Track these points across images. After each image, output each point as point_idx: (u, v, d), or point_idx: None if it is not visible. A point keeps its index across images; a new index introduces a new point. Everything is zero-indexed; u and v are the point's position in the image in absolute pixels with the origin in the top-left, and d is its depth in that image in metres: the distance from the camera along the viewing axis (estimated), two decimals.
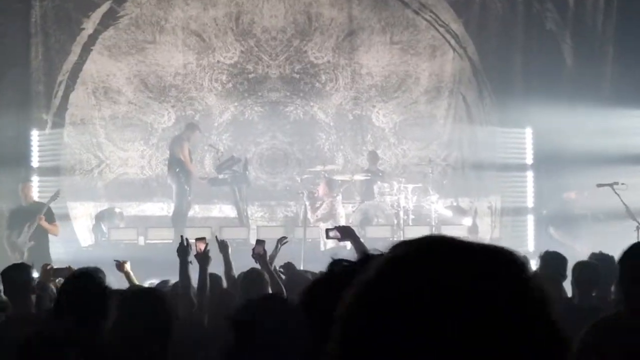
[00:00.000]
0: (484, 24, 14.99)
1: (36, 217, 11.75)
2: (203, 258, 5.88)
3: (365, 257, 1.98)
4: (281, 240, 7.08)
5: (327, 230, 6.43)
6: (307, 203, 13.21)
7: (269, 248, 6.61)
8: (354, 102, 15.27)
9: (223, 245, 6.67)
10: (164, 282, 6.58)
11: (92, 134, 14.83)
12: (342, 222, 12.06)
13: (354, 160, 15.08)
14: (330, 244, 11.41)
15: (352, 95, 15.26)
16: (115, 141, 14.90)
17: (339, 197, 13.34)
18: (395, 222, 13.44)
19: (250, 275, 5.85)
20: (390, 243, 1.10)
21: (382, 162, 14.64)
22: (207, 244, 6.03)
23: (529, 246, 13.65)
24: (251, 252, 6.50)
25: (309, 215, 13.14)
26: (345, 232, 6.08)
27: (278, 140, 15.20)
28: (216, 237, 7.11)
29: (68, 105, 14.72)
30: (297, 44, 15.15)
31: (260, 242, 6.49)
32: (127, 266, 6.78)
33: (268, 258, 6.39)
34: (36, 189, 14.27)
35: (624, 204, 10.54)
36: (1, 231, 12.51)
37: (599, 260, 6.12)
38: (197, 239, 6.14)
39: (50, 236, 12.02)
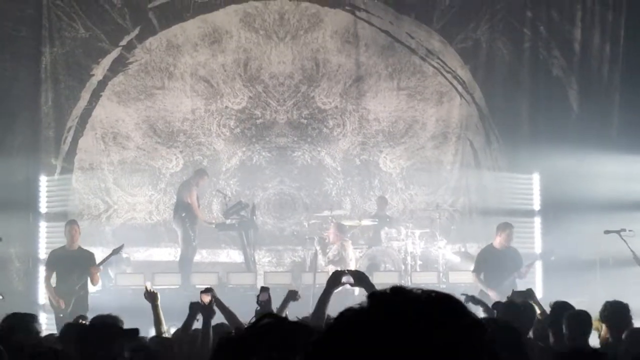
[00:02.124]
0: (491, 70, 15.09)
1: (89, 268, 11.19)
2: (207, 310, 5.92)
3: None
4: (293, 296, 6.86)
5: (338, 274, 6.34)
6: (318, 248, 13.17)
7: (278, 297, 6.56)
8: (362, 147, 15.31)
9: (151, 296, 6.66)
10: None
11: (101, 179, 14.88)
12: (352, 266, 12.01)
13: (361, 205, 15.08)
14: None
15: (359, 141, 15.31)
16: (124, 186, 14.94)
17: (350, 242, 13.32)
18: (403, 267, 13.39)
19: (219, 330, 5.77)
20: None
21: (389, 207, 14.63)
22: (212, 298, 6.05)
23: (538, 293, 13.54)
24: (256, 299, 6.45)
25: (321, 259, 13.09)
26: (358, 278, 5.99)
27: (286, 185, 15.22)
28: (146, 286, 6.90)
29: (77, 150, 14.80)
30: (305, 90, 15.25)
31: (265, 289, 6.44)
32: (158, 298, 6.80)
33: (275, 310, 6.31)
34: (44, 235, 14.31)
35: (631, 251, 10.50)
36: (17, 274, 12.34)
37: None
38: (202, 292, 6.16)
39: None
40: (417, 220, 14.45)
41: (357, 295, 10.83)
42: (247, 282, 12.81)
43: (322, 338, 1.06)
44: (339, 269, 12.38)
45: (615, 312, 6.49)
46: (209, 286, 6.39)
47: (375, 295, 1.11)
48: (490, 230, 14.46)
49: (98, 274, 11.30)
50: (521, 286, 9.42)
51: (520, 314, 6.07)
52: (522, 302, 6.76)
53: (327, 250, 13.18)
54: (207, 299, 6.04)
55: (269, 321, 2.35)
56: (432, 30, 15.16)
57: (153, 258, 14.55)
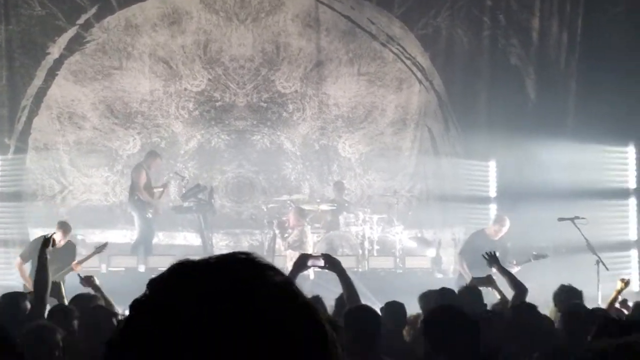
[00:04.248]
0: (450, 58, 15.17)
1: (69, 262, 11.05)
2: None
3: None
4: None
5: (305, 256, 6.33)
6: (277, 231, 13.18)
7: None
8: (321, 132, 15.31)
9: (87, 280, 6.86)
10: None
11: (56, 160, 14.70)
12: (310, 251, 12.03)
13: (320, 190, 15.09)
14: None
15: (319, 125, 15.31)
16: (79, 167, 14.78)
17: (309, 227, 13.33)
18: (360, 252, 13.45)
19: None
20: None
21: (347, 192, 14.67)
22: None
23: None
24: None
25: (280, 243, 13.09)
26: (332, 262, 5.96)
27: (244, 168, 15.18)
28: (79, 275, 7.08)
29: (31, 130, 14.59)
30: (265, 73, 15.19)
31: None
32: (96, 280, 6.87)
33: None
34: None
35: (584, 238, 10.64)
36: None
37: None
38: None
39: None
40: (375, 205, 14.51)
41: (312, 280, 10.86)
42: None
43: (115, 335, 1.04)
44: (298, 253, 12.43)
45: (569, 297, 6.58)
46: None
47: (153, 281, 1.06)
48: (447, 216, 14.64)
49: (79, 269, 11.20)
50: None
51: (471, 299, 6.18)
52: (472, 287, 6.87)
53: (286, 235, 13.18)
54: None
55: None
56: (392, 16, 15.18)
57: (109, 240, 14.41)
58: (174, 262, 1.07)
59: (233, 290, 1.01)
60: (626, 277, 8.06)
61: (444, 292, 6.63)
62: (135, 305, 1.04)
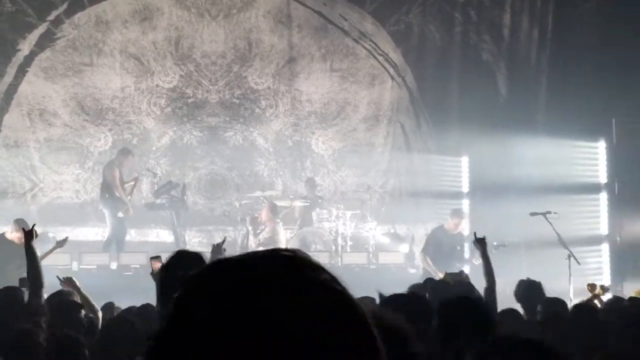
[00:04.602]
0: (422, 54, 15.21)
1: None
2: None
3: None
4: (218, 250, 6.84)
5: None
6: (250, 228, 13.16)
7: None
8: (294, 129, 15.30)
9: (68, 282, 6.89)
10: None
11: (26, 157, 14.58)
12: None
13: (293, 187, 15.08)
14: None
15: (291, 122, 15.29)
16: (50, 164, 14.67)
17: (281, 223, 13.32)
18: (334, 248, 13.46)
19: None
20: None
21: (320, 188, 14.68)
22: (162, 263, 6.10)
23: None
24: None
25: (251, 240, 13.07)
26: None
27: (217, 165, 15.13)
28: (57, 277, 7.07)
29: (2, 127, 14.46)
30: (237, 70, 15.15)
31: (156, 258, 6.43)
32: (76, 281, 6.89)
33: None
34: None
35: (556, 233, 10.72)
36: None
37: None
38: (153, 258, 6.19)
39: None
40: (348, 201, 14.52)
41: None
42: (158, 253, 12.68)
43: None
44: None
45: (528, 291, 6.62)
46: (158, 254, 6.41)
47: (193, 278, 1.03)
48: (419, 212, 14.69)
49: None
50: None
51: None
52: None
53: (258, 231, 13.16)
54: (158, 264, 6.06)
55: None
56: (365, 12, 15.20)
57: (80, 237, 14.31)
58: (213, 261, 1.05)
59: (276, 290, 0.98)
60: (605, 285, 8.16)
61: (433, 284, 6.67)
62: (177, 303, 1.01)
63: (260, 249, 12.54)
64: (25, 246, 6.39)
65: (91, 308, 6.58)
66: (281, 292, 0.97)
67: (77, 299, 6.58)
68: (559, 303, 6.27)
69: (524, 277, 7.27)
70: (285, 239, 13.13)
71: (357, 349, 0.98)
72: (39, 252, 10.90)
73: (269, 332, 0.94)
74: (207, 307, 0.97)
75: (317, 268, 1.02)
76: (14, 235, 11.23)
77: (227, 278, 1.00)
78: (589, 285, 7.89)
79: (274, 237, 12.93)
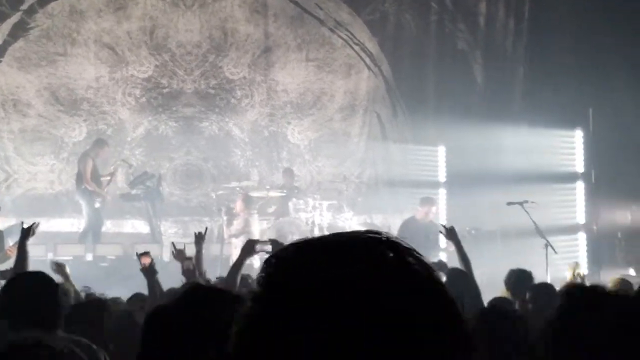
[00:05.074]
0: (398, 43, 15.20)
1: (3, 250, 10.97)
2: (149, 271, 6.19)
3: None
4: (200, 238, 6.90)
5: (253, 242, 6.35)
6: (225, 218, 13.12)
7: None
8: (270, 119, 15.25)
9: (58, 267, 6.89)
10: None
11: (0, 148, 14.44)
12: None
13: (269, 177, 15.04)
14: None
15: (267, 112, 15.24)
16: (24, 155, 14.53)
17: (255, 214, 13.27)
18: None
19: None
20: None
21: (297, 178, 14.65)
22: (152, 258, 6.20)
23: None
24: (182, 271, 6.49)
25: (225, 231, 13.04)
26: (276, 247, 5.96)
27: (192, 155, 15.06)
28: (50, 260, 7.06)
29: None
30: (213, 59, 15.06)
31: (145, 254, 6.44)
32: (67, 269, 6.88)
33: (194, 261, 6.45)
34: None
35: (533, 222, 10.76)
36: None
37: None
38: (142, 254, 6.26)
39: None
40: (325, 191, 14.50)
41: (257, 268, 10.79)
42: (152, 253, 12.58)
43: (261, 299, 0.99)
44: (244, 240, 12.36)
45: (519, 279, 6.67)
46: (147, 250, 6.49)
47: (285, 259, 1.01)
48: (396, 202, 14.70)
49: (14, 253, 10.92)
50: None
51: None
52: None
53: (232, 222, 13.12)
54: (147, 260, 6.17)
55: (201, 292, 2.31)
56: (340, 1, 15.16)
57: (55, 229, 14.20)
58: (300, 240, 1.03)
59: (375, 275, 0.97)
60: (572, 262, 8.16)
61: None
62: (267, 286, 1.00)
63: (233, 240, 12.54)
64: (19, 242, 6.37)
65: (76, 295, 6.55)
66: (367, 275, 0.96)
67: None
68: (547, 288, 6.30)
69: (501, 267, 7.30)
70: (259, 230, 13.09)
71: (450, 341, 0.97)
72: (11, 242, 10.85)
73: (357, 314, 0.94)
74: (295, 289, 0.96)
75: (413, 255, 1.03)
76: None
77: (320, 258, 0.99)
78: (572, 264, 7.90)
79: (246, 228, 12.88)
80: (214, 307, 2.14)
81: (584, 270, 8.42)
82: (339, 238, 1.02)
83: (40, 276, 4.01)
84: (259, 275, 1.01)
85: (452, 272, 6.64)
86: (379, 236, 1.03)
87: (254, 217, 13.21)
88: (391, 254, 1.00)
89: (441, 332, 0.96)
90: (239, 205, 13.15)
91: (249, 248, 6.13)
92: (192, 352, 2.14)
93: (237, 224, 12.99)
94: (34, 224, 6.63)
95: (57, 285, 4.08)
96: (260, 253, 6.27)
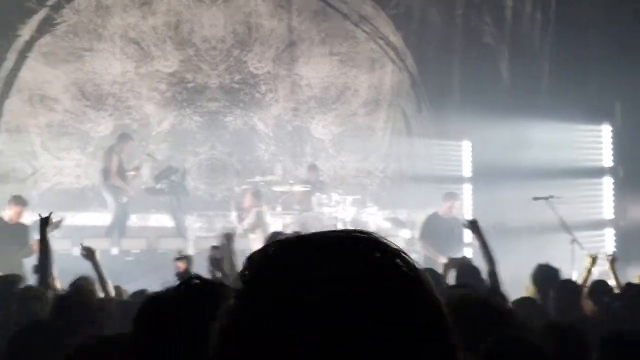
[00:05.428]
0: (423, 37, 15.13)
1: (28, 241, 10.84)
2: (185, 277, 6.00)
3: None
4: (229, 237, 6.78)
5: (276, 234, 6.36)
6: (235, 214, 13.16)
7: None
8: (294, 113, 15.27)
9: (89, 252, 6.53)
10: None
11: (27, 142, 14.56)
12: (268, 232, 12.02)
13: (293, 171, 15.06)
14: None
15: (291, 106, 15.26)
16: (51, 150, 14.64)
17: (266, 207, 13.25)
18: None
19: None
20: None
21: (321, 173, 14.65)
22: (189, 265, 6.12)
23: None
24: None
25: (237, 226, 13.04)
26: None
27: (217, 150, 15.11)
28: (81, 244, 6.84)
29: (3, 112, 14.42)
30: (237, 54, 15.10)
31: (181, 259, 6.43)
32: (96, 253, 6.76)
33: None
34: None
35: (558, 217, 10.69)
36: None
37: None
38: (178, 259, 6.21)
39: None
40: (348, 186, 14.51)
41: None
42: (177, 247, 12.70)
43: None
44: (258, 235, 12.38)
45: (546, 275, 6.63)
46: (183, 255, 6.44)
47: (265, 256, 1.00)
48: (420, 197, 14.65)
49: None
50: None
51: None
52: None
53: (243, 217, 13.13)
54: (183, 266, 6.09)
55: (197, 282, 2.32)
56: None
57: (81, 223, 14.30)
58: (280, 238, 1.03)
59: (360, 276, 0.96)
60: (593, 253, 8.10)
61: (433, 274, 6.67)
62: (251, 283, 0.99)
63: (250, 235, 12.57)
64: (40, 235, 6.37)
65: (105, 285, 6.51)
66: (353, 274, 0.96)
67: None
68: (572, 286, 6.26)
69: (527, 263, 7.25)
70: (272, 223, 13.07)
71: (428, 337, 0.96)
72: (36, 236, 10.91)
73: (340, 313, 0.93)
74: (279, 286, 0.96)
75: (399, 254, 1.01)
76: (13, 211, 11.19)
77: (305, 255, 0.98)
78: (594, 256, 7.84)
79: (259, 221, 12.88)
80: (208, 299, 2.13)
81: (603, 262, 8.33)
82: (325, 236, 1.01)
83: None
84: (242, 271, 1.01)
85: (461, 268, 6.63)
86: (366, 236, 1.02)
87: (265, 209, 13.19)
88: (378, 254, 0.99)
89: (425, 335, 0.96)
90: (248, 200, 13.16)
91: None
92: (183, 344, 2.14)
93: (249, 219, 13.00)
94: (51, 213, 6.64)
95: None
96: None
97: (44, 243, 6.26)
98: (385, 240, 1.02)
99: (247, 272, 1.00)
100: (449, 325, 0.99)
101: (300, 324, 0.93)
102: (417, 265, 1.01)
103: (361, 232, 1.02)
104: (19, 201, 11.39)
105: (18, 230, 11.12)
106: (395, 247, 1.02)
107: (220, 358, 0.97)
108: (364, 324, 0.93)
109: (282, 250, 1.00)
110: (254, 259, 1.01)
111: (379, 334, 0.93)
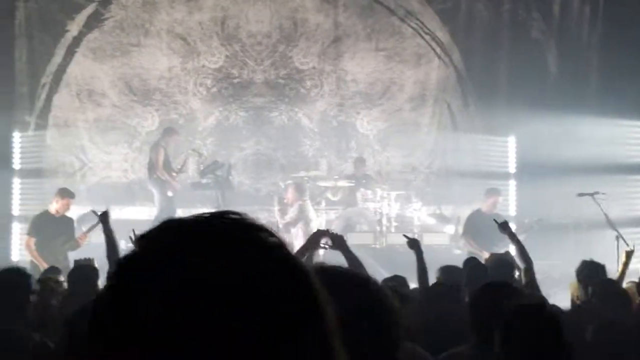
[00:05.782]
0: (470, 32, 15.03)
1: (73, 234, 11.18)
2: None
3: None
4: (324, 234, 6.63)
5: (319, 233, 6.36)
6: (277, 208, 13.19)
7: None
8: (339, 109, 15.26)
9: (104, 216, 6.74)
10: None
11: (76, 137, 14.75)
12: (314, 226, 12.03)
13: (337, 167, 15.07)
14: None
15: (336, 102, 15.26)
16: (99, 144, 14.83)
17: (308, 201, 13.26)
18: (378, 229, 13.43)
19: None
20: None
21: (366, 169, 14.63)
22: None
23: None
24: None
25: (278, 220, 13.07)
26: (338, 241, 5.97)
27: (262, 145, 15.17)
28: (92, 210, 6.94)
29: (51, 107, 14.64)
30: (283, 50, 15.14)
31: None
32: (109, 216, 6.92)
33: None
34: (17, 191, 14.21)
35: (604, 213, 10.57)
36: None
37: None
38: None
39: None
40: (393, 182, 14.47)
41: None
42: None
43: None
44: (300, 229, 12.40)
45: (591, 272, 6.56)
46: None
47: (142, 238, 1.00)
48: (465, 193, 14.57)
49: (85, 240, 11.17)
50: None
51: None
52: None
53: (286, 211, 13.15)
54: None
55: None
56: None
57: (129, 216, 14.46)
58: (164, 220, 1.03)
59: (222, 251, 0.96)
60: (630, 248, 7.99)
61: (474, 264, 6.65)
62: (121, 264, 0.99)
63: (292, 230, 12.60)
64: (103, 230, 6.54)
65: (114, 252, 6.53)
66: (218, 251, 0.96)
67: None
68: (610, 286, 6.18)
69: (574, 259, 7.19)
70: (315, 217, 13.07)
71: (298, 311, 0.96)
72: (84, 229, 11.08)
73: (203, 292, 0.93)
74: (146, 269, 0.96)
75: (267, 230, 1.02)
76: (60, 204, 11.35)
77: (170, 239, 0.98)
78: (630, 250, 7.74)
79: (301, 214, 12.88)
80: None
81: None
82: (196, 218, 1.01)
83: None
84: (109, 271, 1.01)
85: (494, 263, 6.61)
86: (234, 216, 1.02)
87: (308, 203, 13.19)
88: (239, 230, 1.00)
89: (292, 303, 0.95)
90: (290, 194, 13.18)
91: (316, 240, 6.10)
92: None
93: (291, 212, 13.01)
94: (108, 209, 6.79)
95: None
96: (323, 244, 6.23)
97: (109, 237, 6.45)
98: (251, 219, 1.02)
99: (112, 274, 1.00)
100: (315, 291, 0.98)
101: (161, 307, 0.92)
102: (282, 242, 1.01)
103: (234, 212, 1.02)
104: (66, 194, 11.55)
105: (64, 223, 11.30)
106: (260, 223, 1.02)
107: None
108: (221, 302, 0.93)
109: (148, 249, 0.99)
110: (122, 258, 1.01)
111: (242, 321, 0.93)
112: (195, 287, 0.93)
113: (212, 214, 1.02)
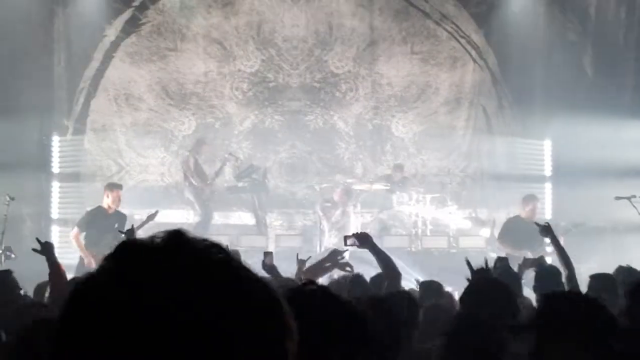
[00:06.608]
0: (505, 35, 14.96)
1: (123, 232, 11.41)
2: (270, 268, 6.26)
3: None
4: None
5: (346, 238, 6.39)
6: (321, 213, 13.22)
7: (286, 260, 6.66)
8: (374, 112, 15.28)
9: (46, 247, 6.16)
10: None
11: (113, 141, 14.92)
12: (351, 232, 12.02)
13: (373, 170, 15.09)
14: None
15: (372, 105, 15.28)
16: (136, 148, 14.98)
17: (352, 207, 13.29)
18: (414, 232, 13.43)
19: None
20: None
21: (404, 173, 14.62)
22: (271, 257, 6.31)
23: (548, 259, 13.56)
24: (261, 264, 6.52)
25: (324, 223, 13.13)
26: (363, 240, 6.03)
27: (298, 149, 15.23)
28: (37, 239, 6.39)
29: (89, 111, 14.83)
30: (318, 54, 15.19)
31: (268, 254, 6.58)
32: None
33: (294, 276, 6.34)
34: (56, 195, 14.40)
35: None
36: (29, 234, 12.32)
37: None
38: (266, 253, 6.41)
39: None
40: (429, 185, 14.46)
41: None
42: (258, 244, 12.87)
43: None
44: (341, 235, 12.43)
45: (627, 278, 6.51)
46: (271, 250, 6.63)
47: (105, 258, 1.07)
48: (501, 196, 14.51)
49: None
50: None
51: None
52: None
53: (331, 215, 13.20)
54: (269, 260, 6.27)
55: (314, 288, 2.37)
56: None
57: (165, 220, 14.59)
58: (120, 241, 1.09)
59: (166, 273, 1.01)
60: None
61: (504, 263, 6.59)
62: (84, 282, 1.05)
63: (334, 232, 12.62)
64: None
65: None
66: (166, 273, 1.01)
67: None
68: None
69: (611, 262, 7.15)
70: (356, 224, 13.10)
71: (260, 325, 1.01)
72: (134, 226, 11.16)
73: (142, 311, 0.98)
74: (97, 290, 1.02)
75: (216, 246, 1.06)
76: (111, 197, 11.51)
77: (121, 264, 1.04)
78: None
79: (342, 220, 12.92)
80: None
81: None
82: (150, 241, 1.07)
83: None
84: (71, 288, 1.07)
85: (541, 271, 6.53)
86: (178, 234, 1.06)
87: (351, 209, 13.22)
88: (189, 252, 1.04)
89: (230, 319, 1.00)
90: (338, 195, 13.21)
91: (333, 260, 6.14)
92: None
93: (335, 216, 13.05)
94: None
95: None
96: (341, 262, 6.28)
97: None
98: (203, 240, 1.06)
99: (74, 290, 1.06)
100: (281, 311, 1.03)
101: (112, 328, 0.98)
102: (230, 258, 1.05)
103: (182, 232, 1.06)
104: (114, 186, 11.78)
105: (116, 219, 11.42)
106: (211, 242, 1.06)
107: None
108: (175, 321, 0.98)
109: (116, 254, 1.06)
110: (86, 276, 1.07)
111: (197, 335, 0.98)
112: (135, 306, 0.98)
113: (168, 236, 1.07)
